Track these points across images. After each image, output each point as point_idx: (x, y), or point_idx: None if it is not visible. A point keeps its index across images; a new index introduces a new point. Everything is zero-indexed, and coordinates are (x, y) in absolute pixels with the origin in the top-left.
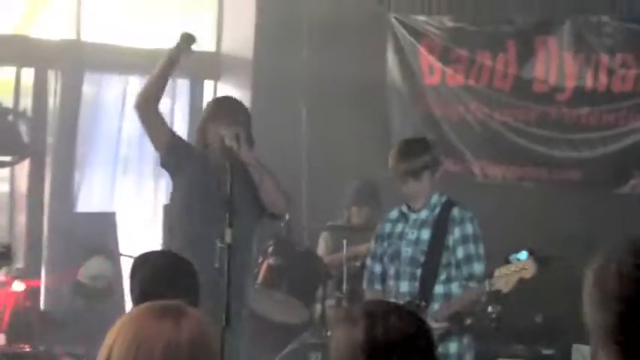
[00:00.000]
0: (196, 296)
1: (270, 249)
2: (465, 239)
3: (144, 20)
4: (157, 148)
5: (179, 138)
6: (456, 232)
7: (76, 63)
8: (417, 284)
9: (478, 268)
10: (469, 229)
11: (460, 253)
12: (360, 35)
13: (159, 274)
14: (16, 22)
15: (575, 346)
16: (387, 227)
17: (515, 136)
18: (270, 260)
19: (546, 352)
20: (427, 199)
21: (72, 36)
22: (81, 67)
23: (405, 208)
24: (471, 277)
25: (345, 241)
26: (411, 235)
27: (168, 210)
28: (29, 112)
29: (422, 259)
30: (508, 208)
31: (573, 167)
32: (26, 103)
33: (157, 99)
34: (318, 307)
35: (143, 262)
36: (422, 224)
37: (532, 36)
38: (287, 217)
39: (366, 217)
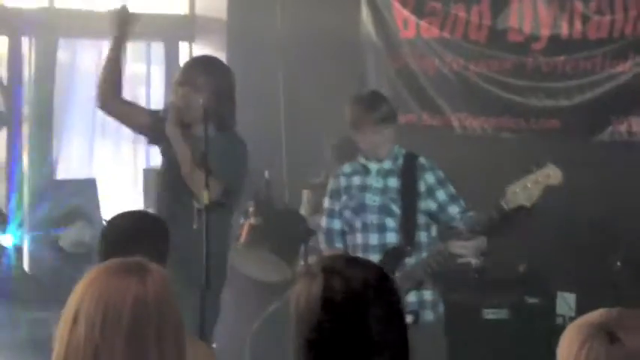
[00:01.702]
0: (163, 255)
1: (251, 209)
2: (441, 182)
3: None
4: (136, 133)
5: (152, 113)
6: (429, 178)
7: (50, 30)
8: (388, 234)
9: (463, 203)
10: (440, 173)
11: (442, 195)
12: None
13: (122, 234)
14: None
15: (559, 294)
16: (342, 181)
17: (492, 87)
18: (251, 220)
19: (531, 300)
20: (390, 149)
21: (45, 3)
22: (55, 33)
23: (362, 160)
24: (464, 211)
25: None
26: (377, 183)
27: (150, 177)
28: (4, 81)
29: (393, 207)
30: (487, 160)
31: (551, 116)
32: (1, 71)
33: (116, 90)
34: (300, 264)
35: (109, 223)
36: (387, 173)
37: None
38: (267, 175)
39: None
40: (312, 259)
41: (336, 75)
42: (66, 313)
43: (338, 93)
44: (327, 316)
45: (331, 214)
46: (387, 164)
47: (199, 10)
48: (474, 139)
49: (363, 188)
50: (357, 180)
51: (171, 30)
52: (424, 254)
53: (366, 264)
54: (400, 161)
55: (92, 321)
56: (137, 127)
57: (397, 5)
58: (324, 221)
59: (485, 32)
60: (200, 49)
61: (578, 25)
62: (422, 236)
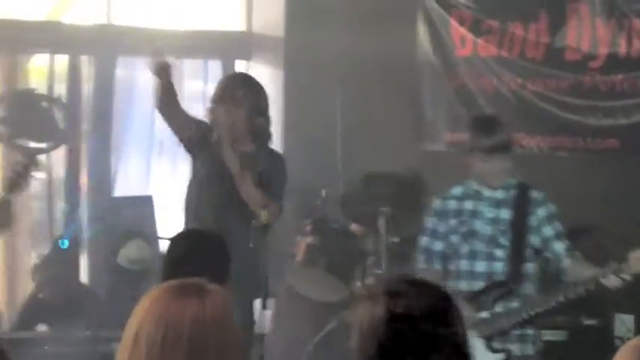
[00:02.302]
0: (224, 275)
1: (308, 228)
2: (550, 218)
3: (173, 2)
4: (180, 141)
5: (200, 127)
6: (540, 212)
7: (109, 47)
8: (495, 264)
9: (566, 243)
10: (552, 208)
11: (548, 231)
12: (390, 9)
13: (185, 254)
14: (48, 8)
15: (617, 316)
16: (452, 204)
17: (549, 106)
18: (308, 239)
19: (588, 322)
20: (503, 179)
21: (104, 20)
22: (114, 51)
23: (475, 185)
24: (567, 249)
25: (382, 220)
26: (489, 213)
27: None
28: (64, 98)
29: (502, 239)
30: (544, 179)
31: (609, 135)
32: (60, 89)
33: (175, 103)
34: (357, 284)
35: (172, 243)
36: (499, 203)
37: (563, 4)
38: (323, 194)
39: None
40: (369, 280)
41: (393, 93)
42: (127, 333)
43: (395, 111)
44: (389, 339)
45: (434, 234)
46: (500, 194)
47: (257, 27)
48: (530, 158)
49: (475, 214)
50: (469, 205)
51: (228, 48)
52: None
53: (430, 288)
54: (513, 192)
55: (152, 341)
56: (182, 139)
57: (454, 23)
58: (424, 240)
59: (542, 50)
60: (257, 67)
61: (636, 44)
62: (529, 268)
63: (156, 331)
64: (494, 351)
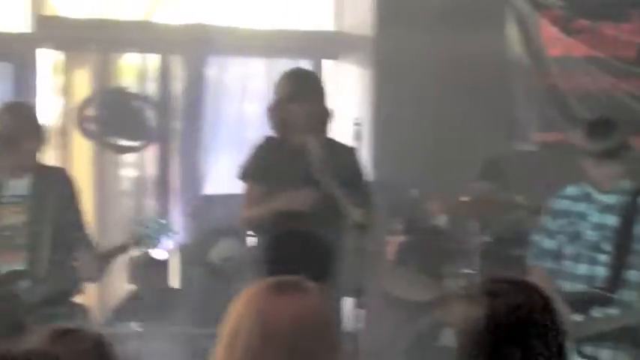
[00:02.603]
0: (327, 274)
1: (399, 227)
2: None
3: (263, 2)
4: None
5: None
6: None
7: (200, 47)
8: (597, 269)
9: None
10: None
11: None
12: (479, 10)
13: (288, 253)
14: (140, 8)
15: None
16: (565, 204)
17: None
18: (399, 238)
19: None
20: (615, 183)
21: (195, 20)
22: (204, 50)
23: (588, 188)
24: None
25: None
26: (595, 218)
27: None
28: (155, 97)
29: (605, 244)
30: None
31: None
32: (152, 88)
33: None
34: (448, 283)
35: (274, 241)
36: (607, 208)
37: None
38: (415, 194)
39: (490, 194)
40: (460, 279)
41: (484, 92)
42: (225, 329)
43: (486, 110)
44: (490, 341)
45: (547, 232)
46: (610, 198)
47: (346, 26)
48: None
49: (582, 217)
50: (579, 207)
51: (317, 47)
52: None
53: (530, 290)
54: (625, 197)
55: (251, 340)
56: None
57: (544, 23)
58: (537, 237)
59: (634, 50)
60: (345, 67)
61: None
62: (633, 276)
63: (255, 328)
64: (583, 356)
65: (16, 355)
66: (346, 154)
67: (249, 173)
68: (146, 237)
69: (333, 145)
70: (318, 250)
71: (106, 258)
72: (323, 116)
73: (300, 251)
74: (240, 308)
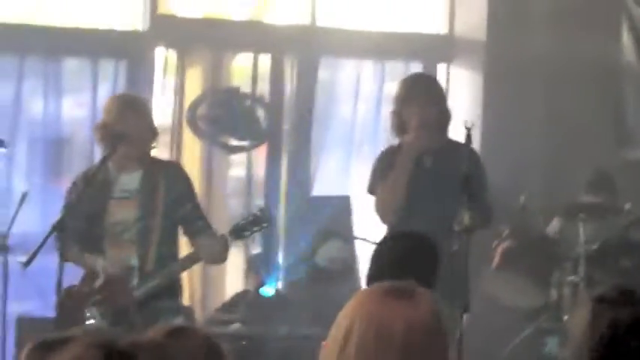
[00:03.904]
0: (432, 279)
1: (505, 233)
2: None
3: (376, 3)
4: None
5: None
6: None
7: (312, 48)
8: None
9: None
10: None
11: None
12: (593, 15)
13: (396, 257)
14: (252, 8)
15: None
16: None
17: None
18: (505, 244)
19: None
20: None
21: (307, 21)
22: (316, 52)
23: None
24: None
25: (581, 226)
26: None
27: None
28: (266, 98)
29: None
30: None
31: None
32: (263, 88)
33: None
34: (553, 291)
35: (382, 244)
36: None
37: None
38: (522, 200)
39: (599, 203)
40: (568, 287)
41: (595, 99)
42: (336, 333)
43: (596, 118)
44: (604, 349)
45: None
46: None
47: (458, 30)
48: None
49: None
50: None
51: (430, 50)
52: None
53: None
54: None
55: (364, 343)
56: None
57: None
58: None
59: None
60: (457, 70)
61: None
62: None
63: (367, 333)
64: None
65: (134, 346)
66: (469, 155)
67: (376, 186)
68: (246, 228)
69: (455, 145)
70: (427, 253)
71: (222, 242)
72: (443, 119)
73: (410, 253)
74: (352, 312)
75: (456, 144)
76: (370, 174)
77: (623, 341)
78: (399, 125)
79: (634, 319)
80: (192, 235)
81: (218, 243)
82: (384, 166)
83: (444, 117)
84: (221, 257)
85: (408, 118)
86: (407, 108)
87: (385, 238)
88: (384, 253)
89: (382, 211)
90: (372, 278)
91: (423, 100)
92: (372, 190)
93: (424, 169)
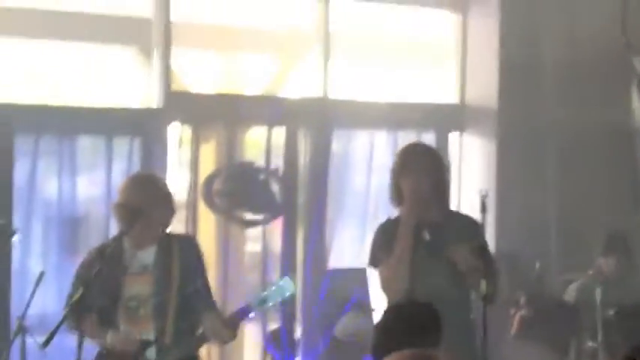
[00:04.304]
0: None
1: (522, 300)
2: None
3: (387, 74)
4: None
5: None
6: None
7: (325, 120)
8: None
9: None
10: None
11: None
12: (603, 81)
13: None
14: (264, 83)
15: None
16: None
17: None
18: (523, 311)
19: None
20: None
21: (319, 94)
22: (329, 124)
23: None
24: None
25: (598, 291)
26: None
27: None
28: (280, 171)
29: None
30: None
31: None
32: (277, 162)
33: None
34: (572, 357)
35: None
36: None
37: None
38: (538, 266)
39: (615, 267)
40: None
41: (607, 164)
42: None
43: (611, 181)
44: None
45: None
46: None
47: (470, 99)
48: None
49: None
50: None
51: (442, 120)
52: None
53: None
54: None
55: None
56: None
57: None
58: None
59: None
60: (470, 139)
61: None
62: None
63: None
64: None
65: None
66: (469, 225)
67: (378, 260)
68: (266, 299)
69: (455, 216)
70: (432, 321)
71: (232, 322)
72: (439, 190)
73: (416, 321)
74: None
75: (458, 215)
76: (370, 247)
77: None
78: (397, 197)
79: None
80: (199, 310)
81: (223, 323)
82: (385, 238)
83: (440, 188)
84: (228, 336)
85: (404, 190)
86: (402, 179)
87: (388, 307)
88: (389, 322)
89: (388, 291)
90: (378, 347)
91: (415, 171)
92: (373, 264)
93: (423, 242)
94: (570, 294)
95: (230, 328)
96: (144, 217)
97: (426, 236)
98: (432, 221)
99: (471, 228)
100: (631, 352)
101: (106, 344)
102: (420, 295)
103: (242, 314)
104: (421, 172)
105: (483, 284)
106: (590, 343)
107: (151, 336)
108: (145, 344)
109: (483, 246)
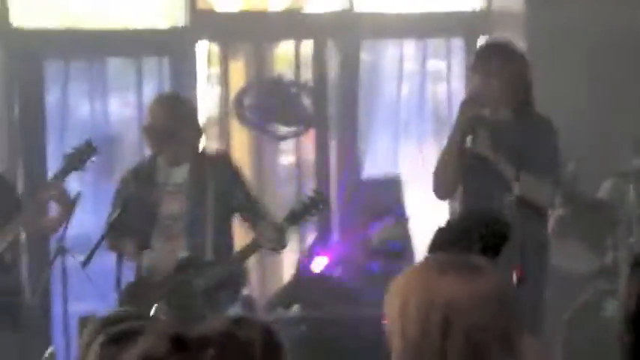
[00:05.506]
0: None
1: (558, 200)
2: None
3: None
4: None
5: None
6: None
7: (352, 33)
8: None
9: None
10: None
11: None
12: None
13: (458, 234)
14: None
15: None
16: None
17: None
18: (559, 210)
19: None
20: None
21: (346, 6)
22: (357, 36)
23: None
24: None
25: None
26: None
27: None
28: (310, 84)
29: None
30: None
31: None
32: (306, 75)
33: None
34: (610, 254)
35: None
36: None
37: None
38: (572, 167)
39: None
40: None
41: (638, 67)
42: (392, 305)
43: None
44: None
45: None
46: None
47: (496, 4)
48: None
49: None
50: None
51: (470, 25)
52: None
53: None
54: None
55: (422, 319)
56: None
57: None
58: None
59: None
60: None
61: None
62: None
63: (420, 308)
64: None
65: (203, 336)
66: (542, 128)
67: None
68: (303, 212)
69: (529, 118)
70: (501, 230)
71: (281, 228)
72: (503, 91)
73: (476, 232)
74: (407, 286)
75: (534, 117)
76: None
77: None
78: (473, 97)
79: None
80: (251, 223)
81: (276, 228)
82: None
83: (505, 89)
84: (281, 243)
85: (484, 90)
86: (472, 76)
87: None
88: (452, 228)
89: (435, 185)
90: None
91: (480, 70)
92: None
93: (481, 139)
94: (604, 192)
95: (283, 233)
96: (173, 138)
97: (483, 133)
98: (491, 121)
99: (543, 131)
100: (638, 255)
101: (143, 263)
102: (469, 199)
103: (291, 220)
104: (484, 72)
105: (516, 186)
106: (629, 239)
107: (185, 253)
108: (184, 262)
109: (513, 146)
